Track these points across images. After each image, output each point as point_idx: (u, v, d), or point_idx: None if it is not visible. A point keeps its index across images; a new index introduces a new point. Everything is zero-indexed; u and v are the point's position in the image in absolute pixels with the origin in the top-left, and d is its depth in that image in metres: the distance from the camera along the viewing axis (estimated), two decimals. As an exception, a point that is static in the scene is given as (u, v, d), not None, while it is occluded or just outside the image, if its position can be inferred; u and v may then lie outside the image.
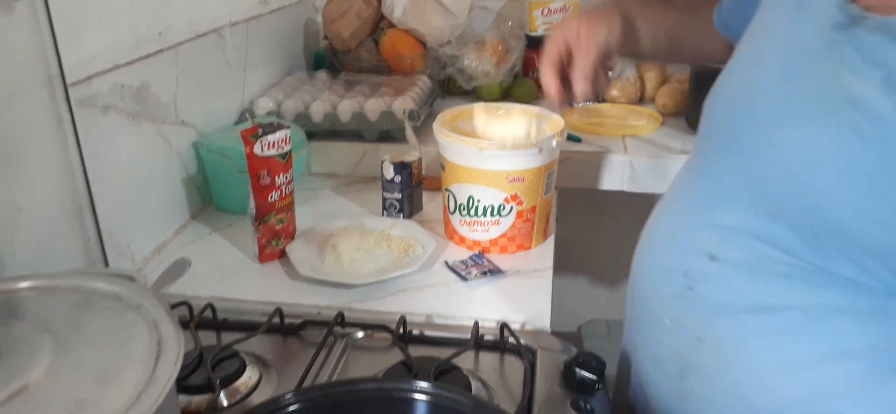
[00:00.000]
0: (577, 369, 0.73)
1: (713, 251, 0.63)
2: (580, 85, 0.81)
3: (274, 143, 0.91)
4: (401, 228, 1.03)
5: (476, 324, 0.81)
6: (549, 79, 0.83)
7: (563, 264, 1.02)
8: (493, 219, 0.97)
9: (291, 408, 0.57)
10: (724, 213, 0.63)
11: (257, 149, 0.89)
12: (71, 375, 0.46)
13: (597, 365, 0.73)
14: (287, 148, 0.93)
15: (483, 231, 0.98)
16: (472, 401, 0.60)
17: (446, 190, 1.00)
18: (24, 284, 0.56)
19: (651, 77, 1.50)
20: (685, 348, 0.66)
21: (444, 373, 0.72)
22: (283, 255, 0.97)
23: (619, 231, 1.66)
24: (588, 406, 0.70)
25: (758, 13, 0.71)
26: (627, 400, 0.79)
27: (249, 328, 0.80)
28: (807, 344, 0.58)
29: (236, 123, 1.20)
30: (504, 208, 0.96)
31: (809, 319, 0.57)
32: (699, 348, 0.64)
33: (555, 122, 0.99)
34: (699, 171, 0.70)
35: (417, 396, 0.59)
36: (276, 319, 0.82)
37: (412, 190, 1.08)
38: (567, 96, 0.84)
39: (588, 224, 1.78)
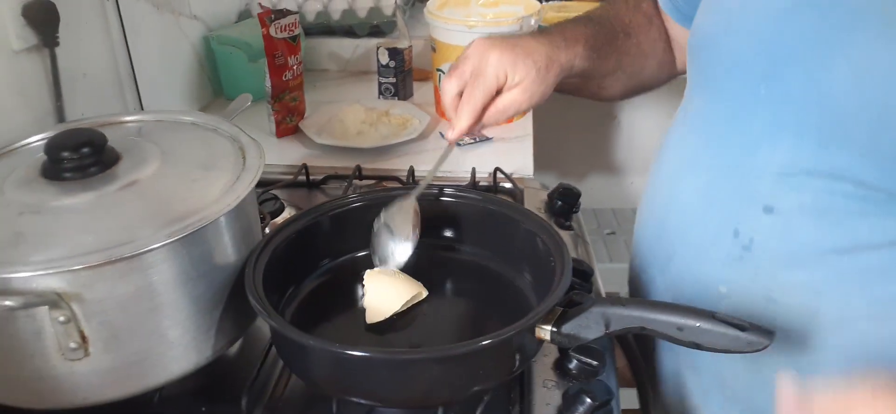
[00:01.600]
0: (558, 199, 0.89)
1: (767, 201, 0.56)
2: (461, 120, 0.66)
3: (286, 26, 1.02)
4: (398, 107, 1.16)
5: (473, 170, 0.96)
6: (449, 91, 0.68)
7: (541, 137, 1.16)
8: (480, 92, 1.11)
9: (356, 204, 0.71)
10: (771, 155, 0.55)
11: (273, 31, 1.01)
12: (181, 166, 0.59)
13: (574, 191, 0.89)
14: (297, 31, 1.05)
15: (471, 105, 1.12)
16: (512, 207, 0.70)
17: (437, 70, 1.13)
18: (118, 119, 0.68)
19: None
20: (753, 314, 0.57)
21: (449, 204, 0.87)
22: (297, 131, 1.09)
23: (594, 116, 1.81)
24: (568, 223, 0.87)
25: None
26: (661, 397, 0.72)
27: (279, 183, 0.94)
28: None
29: (236, 23, 1.30)
30: (489, 83, 1.10)
31: None
32: (772, 308, 0.57)
33: (531, 5, 1.13)
34: (718, 112, 0.61)
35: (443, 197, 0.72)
36: (303, 176, 0.95)
37: (405, 75, 1.21)
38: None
39: (563, 109, 1.88)
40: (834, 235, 0.53)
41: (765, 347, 0.49)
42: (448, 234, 0.73)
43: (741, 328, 0.49)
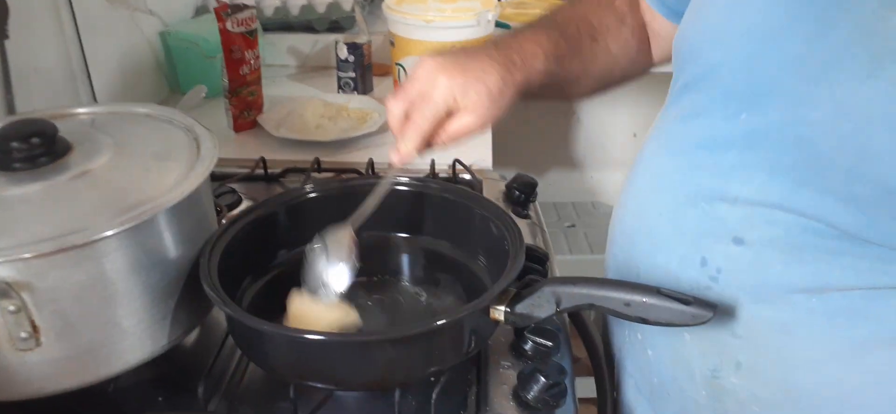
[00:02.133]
0: (515, 190, 0.91)
1: (737, 233, 0.53)
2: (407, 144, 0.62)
3: (242, 20, 1.02)
4: (357, 101, 1.16)
5: (433, 162, 0.97)
6: (394, 112, 0.63)
7: (501, 131, 1.18)
8: (439, 86, 1.12)
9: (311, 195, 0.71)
10: (743, 187, 0.53)
11: (229, 25, 1.01)
12: (134, 157, 0.59)
13: (531, 182, 0.91)
14: (254, 26, 1.04)
15: (430, 99, 1.14)
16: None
17: (397, 64, 1.14)
18: (70, 111, 0.67)
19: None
20: (716, 347, 0.56)
21: (408, 195, 0.88)
22: (255, 125, 1.09)
23: (554, 114, 1.84)
24: (526, 213, 0.89)
25: None
26: (617, 404, 0.71)
27: (236, 176, 0.93)
28: (870, 325, 0.50)
29: (193, 18, 1.29)
30: (448, 76, 1.11)
31: (870, 300, 0.50)
32: (735, 344, 0.55)
33: (489, 0, 1.15)
34: (694, 133, 0.58)
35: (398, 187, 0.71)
36: (260, 169, 0.95)
37: (364, 70, 1.21)
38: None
39: (522, 108, 1.92)
40: (804, 273, 0.51)
41: (708, 320, 0.51)
42: (404, 221, 0.74)
43: (685, 302, 0.51)
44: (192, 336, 0.66)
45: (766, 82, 0.52)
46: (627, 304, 0.53)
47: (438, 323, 0.55)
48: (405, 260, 0.72)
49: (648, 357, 0.64)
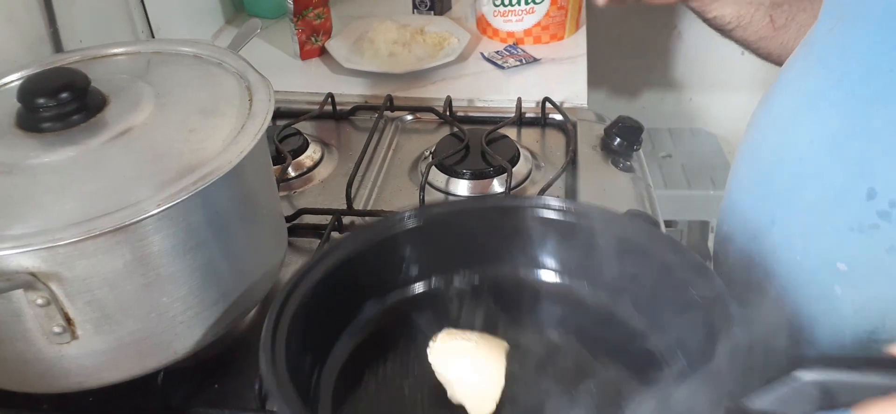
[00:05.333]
0: (616, 135, 0.78)
1: None
2: None
3: (309, -66, 0.91)
4: (434, 24, 1.04)
5: (519, 100, 0.85)
6: None
7: (594, 59, 1.03)
8: (527, 7, 0.98)
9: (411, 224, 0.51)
10: None
11: (294, -61, 0.89)
12: (178, 111, 0.51)
13: (635, 126, 0.77)
14: (321, -59, 0.93)
15: (517, 21, 1.00)
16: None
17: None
18: (109, 51, 0.59)
19: None
20: (879, 303, 0.46)
21: (493, 141, 0.77)
22: (323, 52, 0.99)
23: (652, 27, 1.65)
24: (628, 163, 0.76)
25: None
26: None
27: (302, 115, 0.85)
28: None
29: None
30: (538, -5, 0.97)
31: None
32: None
33: None
34: (860, 46, 0.48)
35: (545, 212, 0.51)
36: (328, 107, 0.86)
37: (442, -14, 1.08)
38: None
39: (618, 19, 1.72)
40: None
41: None
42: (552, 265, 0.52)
43: None
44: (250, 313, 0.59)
45: None
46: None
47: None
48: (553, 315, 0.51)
49: None
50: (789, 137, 0.51)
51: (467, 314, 0.50)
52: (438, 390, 0.46)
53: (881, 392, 0.34)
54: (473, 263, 0.52)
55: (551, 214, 0.51)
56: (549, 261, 0.52)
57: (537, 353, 0.48)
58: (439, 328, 0.47)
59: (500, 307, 0.50)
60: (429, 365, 0.45)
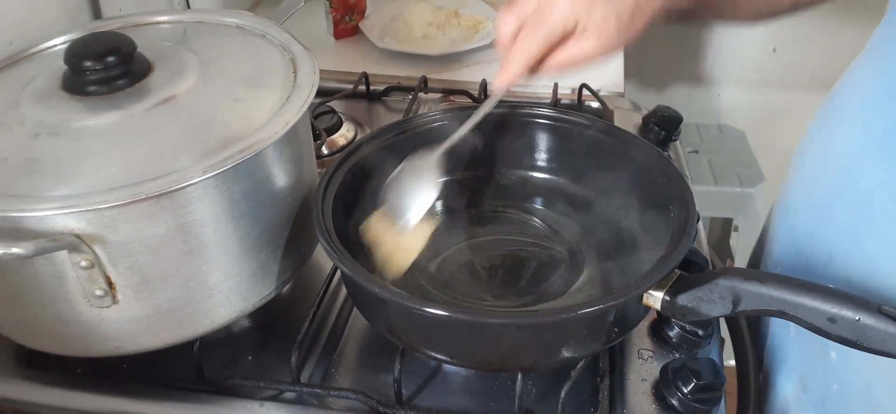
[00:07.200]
0: (655, 125, 0.77)
1: None
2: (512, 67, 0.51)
3: (347, -90, 0.90)
4: (469, 6, 1.03)
5: (555, 86, 0.84)
6: (504, 29, 0.52)
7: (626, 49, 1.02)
8: (565, -7, 0.97)
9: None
10: None
11: (332, -84, 0.89)
12: (223, 80, 0.50)
13: (674, 116, 0.76)
14: (358, -82, 0.92)
15: (553, 7, 0.99)
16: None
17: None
18: (151, 19, 0.59)
19: None
20: None
21: (528, 126, 0.76)
22: (357, 32, 0.98)
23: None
24: (667, 155, 0.75)
25: None
26: (762, 396, 0.60)
27: (336, 94, 0.84)
28: None
29: None
30: (576, -19, 0.96)
31: None
32: None
33: None
34: None
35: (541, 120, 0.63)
36: (362, 86, 0.85)
37: (478, -31, 1.07)
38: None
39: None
40: None
41: None
42: (543, 162, 0.64)
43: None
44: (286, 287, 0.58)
45: None
46: (832, 320, 0.40)
47: (583, 311, 0.44)
48: (544, 206, 0.64)
49: (831, 358, 0.51)
50: (853, 176, 0.50)
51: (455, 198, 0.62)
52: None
53: (776, 305, 0.42)
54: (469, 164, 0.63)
55: (543, 120, 0.63)
56: (543, 160, 0.64)
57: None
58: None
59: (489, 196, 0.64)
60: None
